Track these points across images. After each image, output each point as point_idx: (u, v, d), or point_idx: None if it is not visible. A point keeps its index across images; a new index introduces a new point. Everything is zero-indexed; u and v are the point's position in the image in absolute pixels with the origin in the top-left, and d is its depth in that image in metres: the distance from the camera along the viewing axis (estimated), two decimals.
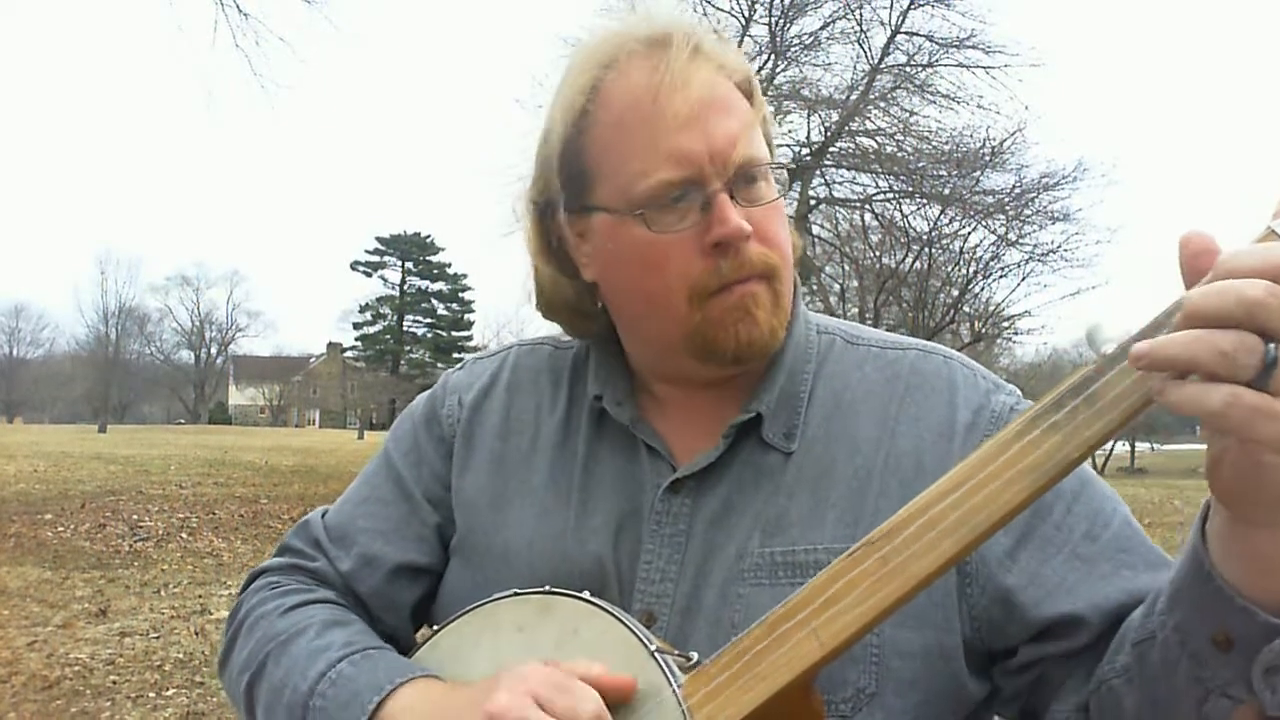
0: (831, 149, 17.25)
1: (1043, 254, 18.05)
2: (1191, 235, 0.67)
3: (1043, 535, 0.93)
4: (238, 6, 13.63)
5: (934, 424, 0.98)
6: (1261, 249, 0.64)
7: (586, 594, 0.90)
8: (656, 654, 0.83)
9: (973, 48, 16.58)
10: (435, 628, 1.00)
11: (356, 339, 74.76)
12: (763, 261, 0.95)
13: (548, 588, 0.92)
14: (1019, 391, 1.03)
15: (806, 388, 1.02)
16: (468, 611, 0.96)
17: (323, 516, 1.14)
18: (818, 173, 17.59)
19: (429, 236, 73.73)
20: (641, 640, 0.85)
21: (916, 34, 16.98)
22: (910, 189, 17.15)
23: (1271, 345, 0.62)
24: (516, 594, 0.93)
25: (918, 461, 0.96)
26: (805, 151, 17.32)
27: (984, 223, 17.71)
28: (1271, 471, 0.66)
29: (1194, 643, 0.76)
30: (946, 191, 16.91)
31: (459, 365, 1.20)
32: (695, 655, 0.84)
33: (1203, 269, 0.66)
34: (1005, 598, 0.92)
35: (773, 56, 16.66)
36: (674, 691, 0.81)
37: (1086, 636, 0.90)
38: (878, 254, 19.64)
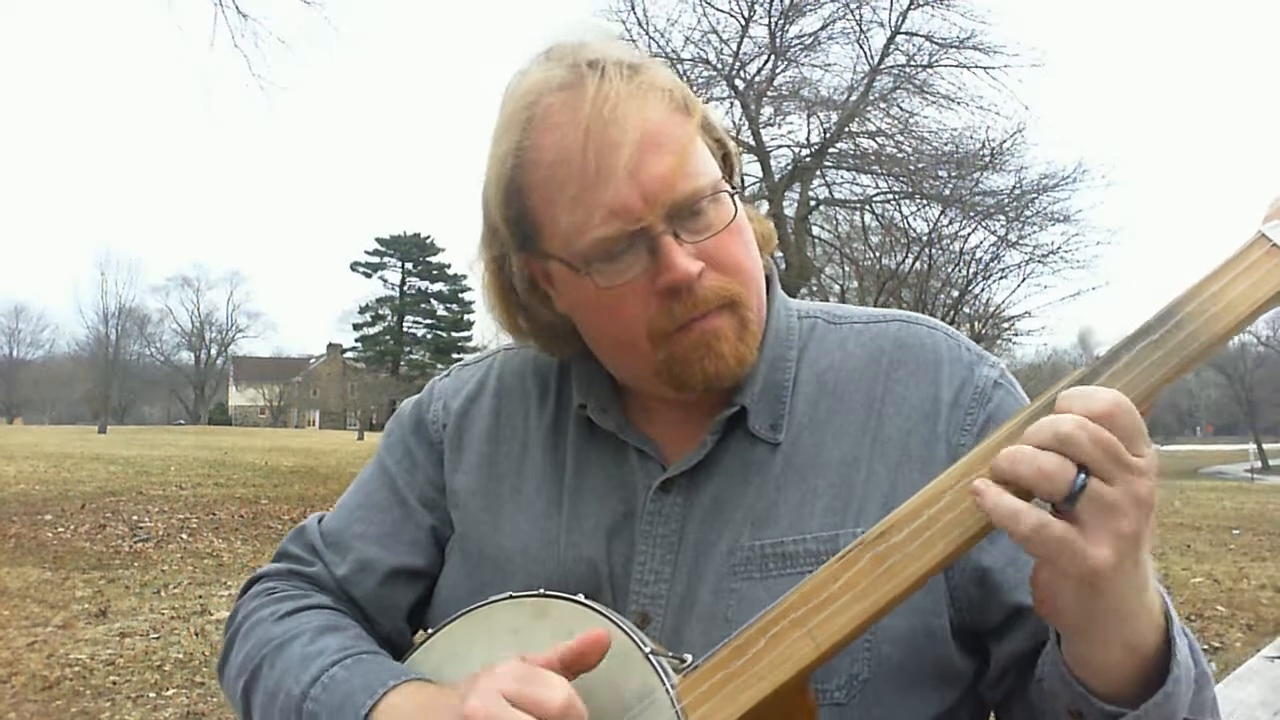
0: (831, 150, 17.22)
1: (1043, 255, 18.01)
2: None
3: None
4: (236, 7, 13.64)
5: (918, 403, 0.98)
6: (1081, 391, 0.74)
7: (581, 596, 0.90)
8: (650, 656, 0.83)
9: (972, 48, 16.57)
10: (430, 631, 1.00)
11: (356, 340, 74.86)
12: (719, 294, 0.92)
13: (542, 590, 0.92)
14: (1002, 364, 1.03)
15: (790, 376, 1.01)
16: (462, 615, 0.96)
17: (319, 522, 1.14)
18: (817, 174, 17.57)
19: (429, 237, 73.84)
20: (635, 642, 0.85)
21: (916, 34, 16.96)
22: (910, 190, 17.12)
23: (1082, 475, 0.70)
24: (511, 597, 0.93)
25: (904, 446, 0.97)
26: (805, 152, 17.31)
27: (984, 224, 17.67)
28: (1064, 593, 0.75)
29: (1057, 705, 0.84)
30: (946, 192, 16.88)
31: (445, 372, 1.20)
32: (689, 657, 0.84)
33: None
34: (983, 577, 0.93)
35: (772, 57, 16.66)
36: (668, 693, 0.81)
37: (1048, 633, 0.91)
38: (878, 255, 19.60)
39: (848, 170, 17.92)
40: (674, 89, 0.94)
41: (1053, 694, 0.84)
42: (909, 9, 16.72)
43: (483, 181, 0.99)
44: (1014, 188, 17.07)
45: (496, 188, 0.96)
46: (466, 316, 73.94)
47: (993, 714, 1.01)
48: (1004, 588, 0.92)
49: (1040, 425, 0.72)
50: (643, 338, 0.94)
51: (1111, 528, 0.71)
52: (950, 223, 17.94)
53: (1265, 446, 59.94)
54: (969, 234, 18.17)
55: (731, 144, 1.01)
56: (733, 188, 0.97)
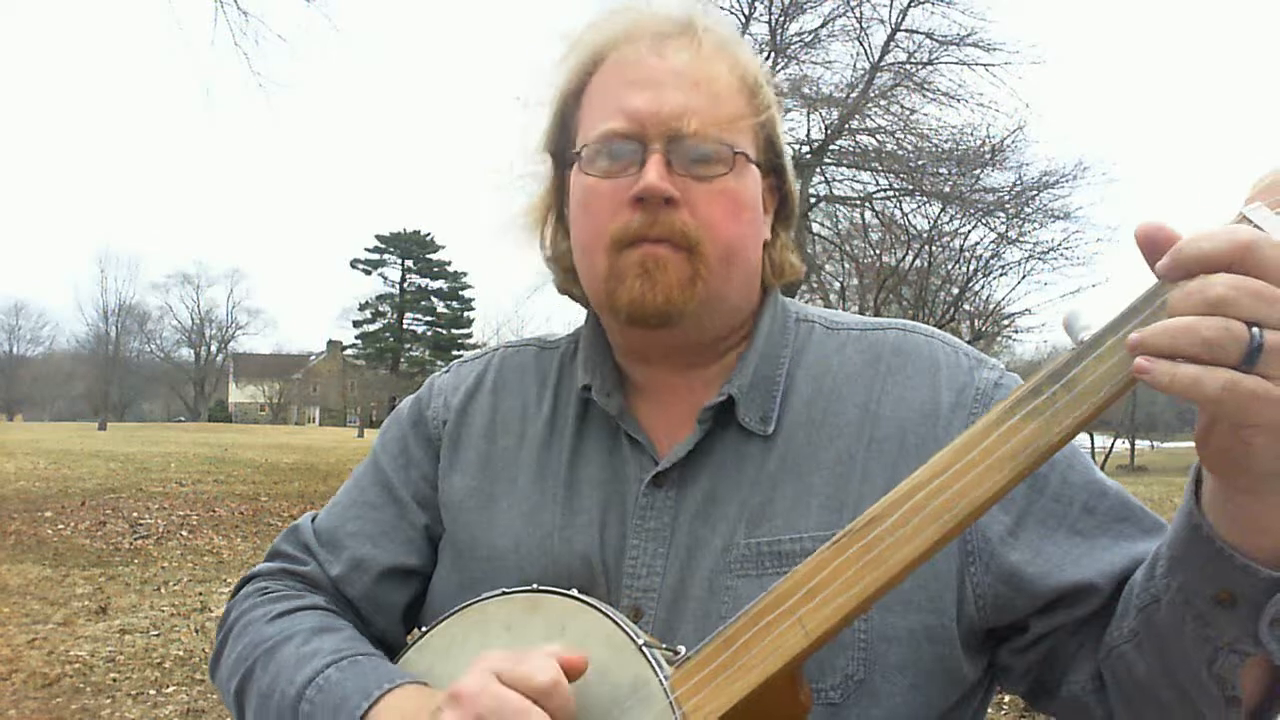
0: (832, 147, 17.18)
1: (1043, 252, 18.00)
2: (1141, 227, 0.69)
3: (1042, 510, 0.94)
4: (237, 5, 13.58)
5: (917, 405, 0.99)
6: (1209, 234, 0.66)
7: (574, 591, 0.90)
8: (644, 648, 0.84)
9: (973, 45, 16.51)
10: (424, 629, 1.00)
11: (356, 337, 74.68)
12: (680, 230, 0.95)
13: (535, 586, 0.92)
14: (1002, 366, 1.04)
15: (782, 372, 1.02)
16: (456, 612, 0.96)
17: (312, 521, 1.14)
18: (818, 170, 17.54)
19: (429, 234, 73.63)
20: (629, 635, 0.85)
21: (916, 32, 16.90)
22: (910, 187, 17.09)
23: (1256, 330, 0.63)
24: (504, 593, 0.93)
25: (901, 443, 0.97)
26: (805, 149, 17.28)
27: (984, 221, 17.66)
28: (1259, 451, 0.68)
29: (1198, 603, 0.77)
30: (947, 189, 16.85)
31: (445, 369, 1.20)
32: (682, 648, 0.85)
33: (1159, 248, 0.68)
34: (1012, 574, 0.92)
35: (773, 54, 16.61)
36: (661, 684, 0.82)
37: (1096, 602, 0.91)
38: (878, 252, 19.58)
39: (848, 167, 17.88)
40: (755, 76, 1.02)
41: (1186, 597, 0.78)
42: (909, 6, 16.67)
43: (557, 75, 1.05)
44: (1014, 185, 17.05)
45: (567, 79, 1.03)
46: (467, 314, 73.90)
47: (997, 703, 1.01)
48: (1037, 579, 0.92)
49: (1189, 294, 0.65)
50: (602, 244, 0.97)
51: None
52: (950, 220, 17.94)
53: None
54: (969, 231, 18.19)
55: (786, 163, 1.06)
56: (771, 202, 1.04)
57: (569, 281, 1.10)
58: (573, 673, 0.81)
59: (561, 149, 1.05)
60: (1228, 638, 0.77)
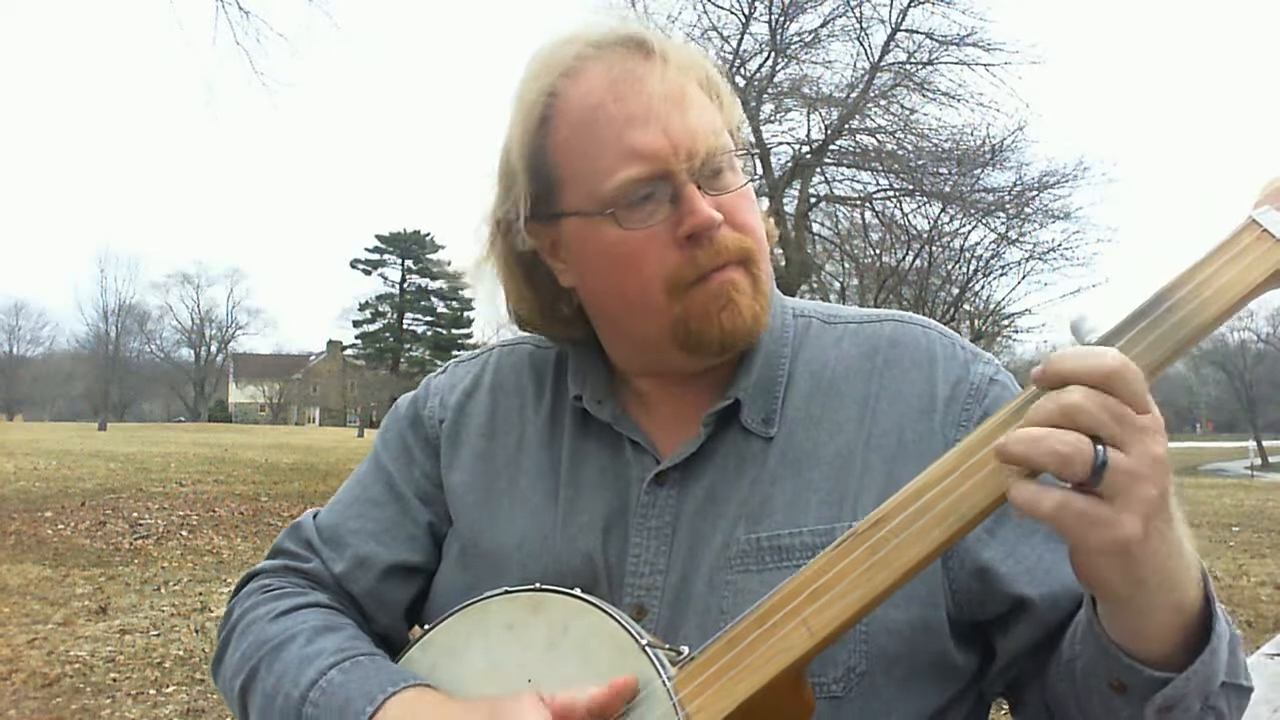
0: (832, 147, 17.17)
1: (1043, 252, 18.00)
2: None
3: None
4: (238, 4, 13.57)
5: (914, 398, 0.99)
6: (1081, 352, 0.71)
7: (577, 591, 0.90)
8: (647, 648, 0.84)
9: (973, 45, 16.49)
10: (426, 627, 1.00)
11: (356, 337, 74.72)
12: (738, 247, 0.95)
13: (538, 585, 0.92)
14: (996, 360, 1.04)
15: (784, 372, 1.03)
16: (459, 610, 0.96)
17: (315, 518, 1.14)
18: (818, 170, 17.54)
19: (429, 234, 73.67)
20: (632, 635, 0.85)
21: (916, 31, 16.89)
22: (910, 187, 17.07)
23: (1101, 448, 0.68)
24: (507, 592, 0.93)
25: (899, 438, 0.97)
26: (805, 149, 17.27)
27: (984, 221, 17.64)
28: (1104, 568, 0.73)
29: (1096, 681, 0.83)
30: (947, 189, 16.84)
31: (440, 369, 1.20)
32: (686, 649, 0.85)
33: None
34: (983, 571, 0.93)
35: (773, 54, 16.61)
36: (665, 685, 0.82)
37: (1061, 613, 0.92)
38: (878, 252, 19.56)
39: (848, 167, 17.87)
40: (709, 73, 1.00)
41: (1089, 671, 0.83)
42: (909, 6, 16.66)
43: (504, 134, 1.01)
44: (1014, 185, 17.05)
45: (523, 131, 0.98)
46: (466, 313, 73.86)
47: (1006, 705, 1.02)
48: (1004, 580, 0.93)
49: (1046, 400, 0.70)
50: (659, 291, 0.95)
51: (1137, 495, 0.69)
52: (950, 220, 17.94)
53: (1265, 443, 59.97)
54: (969, 231, 18.18)
55: (747, 146, 1.04)
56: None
57: (553, 327, 1.07)
58: (623, 699, 0.83)
59: (533, 208, 0.99)
60: (1124, 715, 0.82)
